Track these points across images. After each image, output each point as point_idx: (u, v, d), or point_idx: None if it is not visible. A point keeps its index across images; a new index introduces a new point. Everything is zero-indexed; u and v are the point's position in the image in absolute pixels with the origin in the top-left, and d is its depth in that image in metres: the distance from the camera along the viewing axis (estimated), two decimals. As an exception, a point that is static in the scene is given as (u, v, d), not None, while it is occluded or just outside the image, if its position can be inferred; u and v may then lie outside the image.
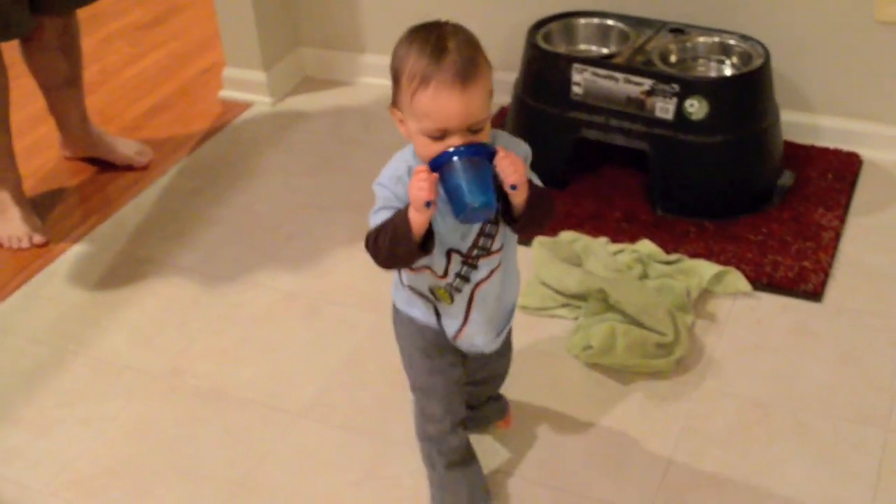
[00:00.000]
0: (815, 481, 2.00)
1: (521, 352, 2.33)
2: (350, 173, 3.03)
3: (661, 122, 2.67)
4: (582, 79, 2.72)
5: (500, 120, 3.12)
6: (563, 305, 2.43)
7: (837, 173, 2.88)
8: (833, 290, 2.49)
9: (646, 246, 2.57)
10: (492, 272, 1.73)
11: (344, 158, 3.11)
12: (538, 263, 2.49)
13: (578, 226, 2.68)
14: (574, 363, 2.30)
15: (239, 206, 2.94)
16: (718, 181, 2.73)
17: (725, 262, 2.54)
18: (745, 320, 2.42)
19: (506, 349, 1.97)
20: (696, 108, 2.62)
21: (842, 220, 2.71)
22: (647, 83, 2.65)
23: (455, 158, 1.54)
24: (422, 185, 1.52)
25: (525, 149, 1.71)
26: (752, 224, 2.69)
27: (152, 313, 2.55)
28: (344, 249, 2.72)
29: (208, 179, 3.07)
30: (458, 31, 1.57)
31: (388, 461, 2.10)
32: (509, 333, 1.93)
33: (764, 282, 2.51)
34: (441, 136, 1.54)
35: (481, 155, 1.55)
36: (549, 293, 2.44)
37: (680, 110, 2.64)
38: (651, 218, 2.74)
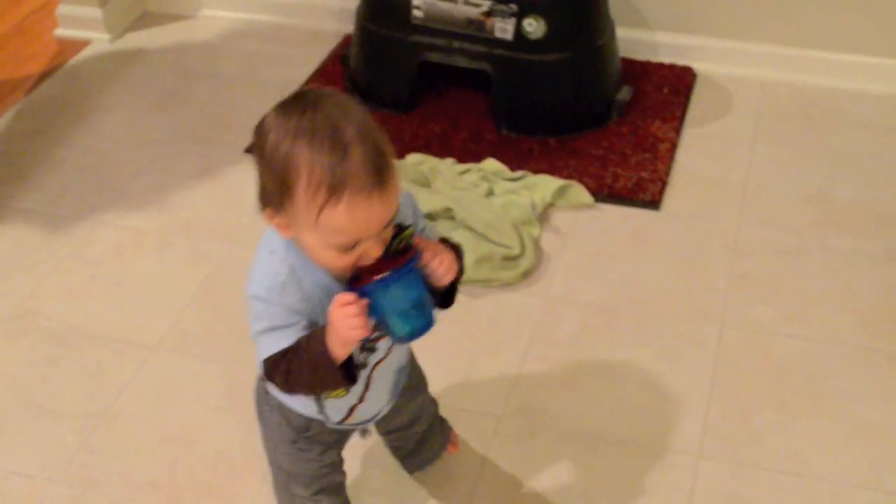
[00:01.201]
0: (656, 377, 2.11)
1: (374, 273, 2.38)
2: (195, 107, 2.99)
3: (501, 43, 2.72)
4: (422, 2, 2.74)
5: (343, 48, 3.13)
6: (414, 225, 2.47)
7: (673, 87, 2.99)
8: (670, 198, 2.61)
9: (491, 164, 2.63)
10: (390, 348, 1.48)
11: (188, 93, 3.07)
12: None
13: (425, 148, 2.73)
14: (426, 281, 2.36)
15: (82, 146, 2.88)
16: (559, 98, 2.81)
17: (568, 177, 2.62)
18: (587, 231, 2.51)
19: (414, 390, 1.71)
20: (535, 27, 2.68)
21: (677, 131, 2.82)
22: (486, 4, 2.69)
23: (386, 287, 1.28)
24: (354, 323, 1.25)
25: (409, 197, 1.42)
26: (592, 139, 2.78)
27: (-2, 257, 2.51)
28: (191, 182, 2.70)
29: (48, 121, 2.99)
30: (342, 104, 1.23)
31: (247, 387, 2.11)
32: (418, 377, 1.75)
33: (605, 193, 2.60)
34: (353, 246, 1.25)
35: (410, 272, 1.30)
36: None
37: (519, 30, 2.69)
38: (496, 137, 2.80)
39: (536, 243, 2.43)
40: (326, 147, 1.17)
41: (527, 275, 2.36)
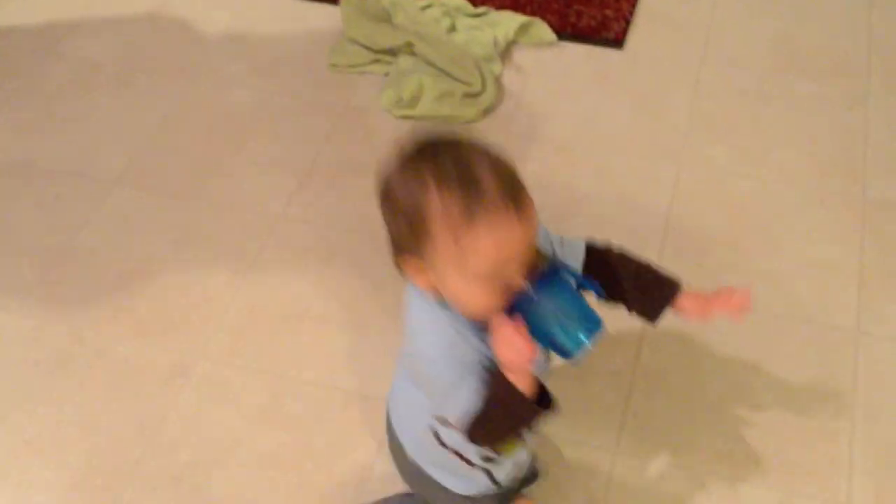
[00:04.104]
0: (613, 217, 2.13)
1: (334, 108, 2.37)
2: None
3: None
4: None
5: None
6: (374, 61, 2.44)
7: (639, -77, 2.92)
8: (634, 38, 2.58)
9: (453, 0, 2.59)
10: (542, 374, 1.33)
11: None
12: (346, 21, 2.47)
13: (386, -19, 2.67)
14: (387, 117, 2.34)
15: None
16: (524, -67, 2.74)
17: (531, 14, 2.58)
18: (550, 69, 2.49)
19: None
20: None
21: (643, -31, 2.78)
22: None
23: (532, 300, 1.18)
24: (519, 348, 1.16)
25: (542, 227, 1.32)
26: (557, -25, 2.74)
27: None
28: (148, 17, 2.63)
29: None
30: (466, 145, 1.18)
31: (206, 221, 2.12)
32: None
33: (568, 31, 2.57)
34: (499, 274, 1.16)
35: (556, 280, 1.19)
36: (358, 50, 2.44)
37: None
38: (459, -28, 2.74)
39: (498, 80, 2.41)
40: (455, 178, 1.13)
41: (488, 112, 2.35)
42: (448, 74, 2.31)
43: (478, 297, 1.17)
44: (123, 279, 2.02)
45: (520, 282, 1.17)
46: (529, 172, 2.17)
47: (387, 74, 2.42)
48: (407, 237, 1.17)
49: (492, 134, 2.30)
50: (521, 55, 2.52)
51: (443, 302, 1.21)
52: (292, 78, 2.46)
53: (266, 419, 1.79)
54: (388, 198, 1.19)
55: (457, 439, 1.32)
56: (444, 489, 1.46)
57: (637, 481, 1.69)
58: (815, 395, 1.82)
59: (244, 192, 2.18)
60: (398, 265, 1.23)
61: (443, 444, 1.37)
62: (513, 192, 1.14)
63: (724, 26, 2.62)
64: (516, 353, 1.16)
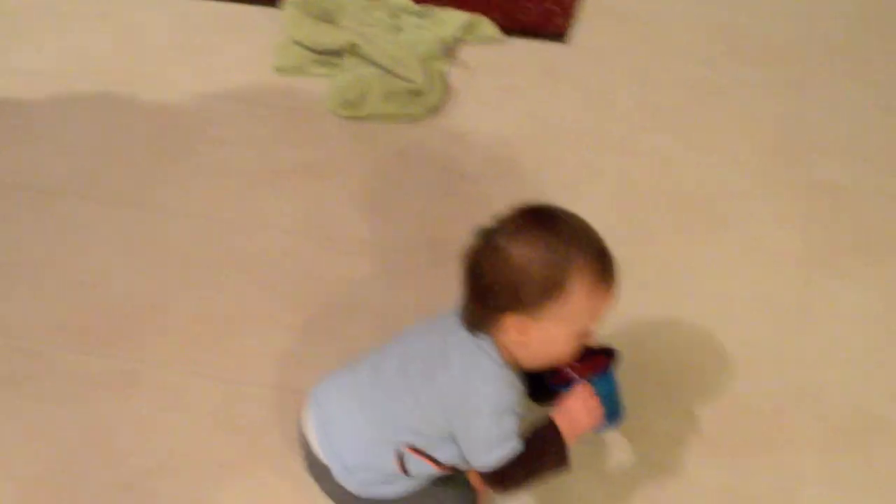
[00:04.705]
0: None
1: (280, 111, 2.36)
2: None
3: None
4: None
5: None
6: (318, 63, 2.44)
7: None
8: (579, 32, 2.60)
9: (396, -1, 2.59)
10: None
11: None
12: (290, 23, 2.47)
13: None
14: (333, 119, 2.34)
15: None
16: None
17: (476, 11, 2.59)
18: (495, 65, 2.50)
19: None
20: None
21: (585, -37, 2.79)
22: None
23: (607, 377, 1.42)
24: (597, 415, 1.38)
25: None
26: (499, -28, 2.75)
27: None
28: (89, 27, 2.62)
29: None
30: (569, 214, 1.38)
31: (152, 229, 2.11)
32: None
33: (514, 27, 2.58)
34: (588, 332, 1.38)
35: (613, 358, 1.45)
36: (303, 52, 2.44)
37: None
38: (401, -29, 2.74)
39: (444, 78, 2.42)
40: (590, 247, 1.33)
41: (434, 110, 2.35)
42: (393, 74, 2.31)
43: (568, 349, 1.36)
44: (69, 290, 2.00)
45: (594, 342, 1.39)
46: (475, 168, 2.22)
47: (332, 76, 2.41)
48: (531, 297, 1.31)
49: (438, 131, 2.31)
50: (467, 53, 2.53)
51: (503, 360, 1.37)
52: (236, 82, 2.45)
53: (218, 424, 1.78)
54: (507, 260, 1.31)
55: (422, 469, 1.45)
56: (391, 499, 1.49)
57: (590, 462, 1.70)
58: (764, 373, 1.83)
59: (191, 199, 2.17)
60: (483, 322, 1.36)
61: (404, 470, 1.45)
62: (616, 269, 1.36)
63: (667, 17, 2.64)
64: (590, 416, 1.37)
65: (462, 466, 1.46)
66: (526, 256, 1.30)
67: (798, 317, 1.92)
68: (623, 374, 1.45)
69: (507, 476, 1.39)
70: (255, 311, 1.95)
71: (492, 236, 1.34)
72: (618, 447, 1.72)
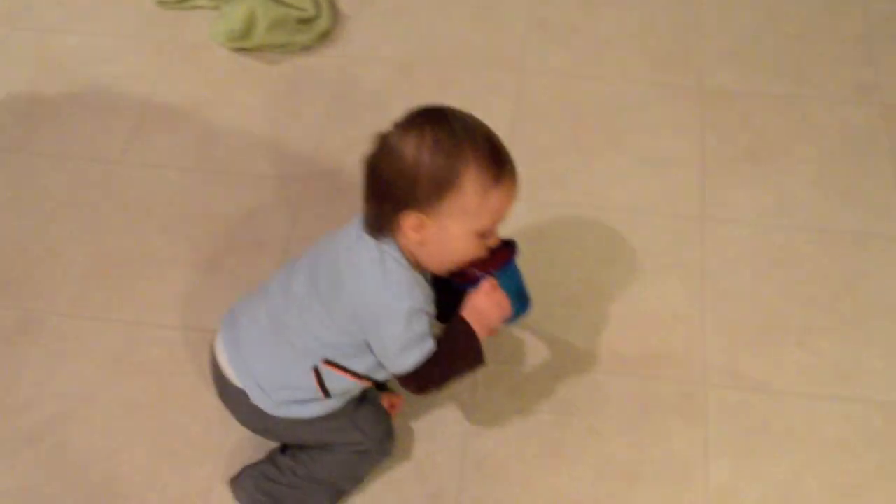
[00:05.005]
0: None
1: (165, 46, 2.29)
2: None
3: None
4: None
5: None
6: (203, -6, 2.37)
7: None
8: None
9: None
10: None
11: None
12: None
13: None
14: (221, 51, 2.27)
15: None
16: None
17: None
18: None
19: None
20: None
21: None
22: None
23: (509, 270, 1.43)
24: (504, 307, 1.40)
25: None
26: None
27: None
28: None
29: None
30: (464, 113, 1.37)
31: (40, 173, 2.04)
32: None
33: (400, -51, 2.53)
34: (491, 233, 1.39)
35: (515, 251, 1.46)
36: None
37: None
38: None
39: (333, 3, 2.36)
40: (482, 142, 1.33)
41: (324, 36, 2.30)
42: (280, 1, 2.25)
43: (469, 249, 1.37)
44: (-43, 242, 1.93)
45: (495, 243, 1.39)
46: (370, 93, 2.18)
47: (216, 7, 2.34)
48: (425, 192, 1.31)
49: (331, 58, 2.26)
50: (354, -24, 2.48)
51: (409, 262, 1.37)
52: (118, 18, 2.36)
53: (121, 368, 1.74)
54: (400, 156, 1.32)
55: (340, 384, 1.45)
56: (306, 420, 1.48)
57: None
58: (667, 283, 1.86)
59: (77, 140, 2.09)
60: (384, 221, 1.35)
61: (322, 387, 1.44)
62: (514, 166, 1.36)
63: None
64: (498, 309, 1.38)
65: (379, 377, 1.47)
66: (417, 152, 1.31)
67: (699, 223, 1.95)
68: (533, 293, 1.46)
69: (424, 378, 1.39)
70: (156, 252, 1.90)
71: (386, 137, 1.35)
72: (528, 364, 1.74)
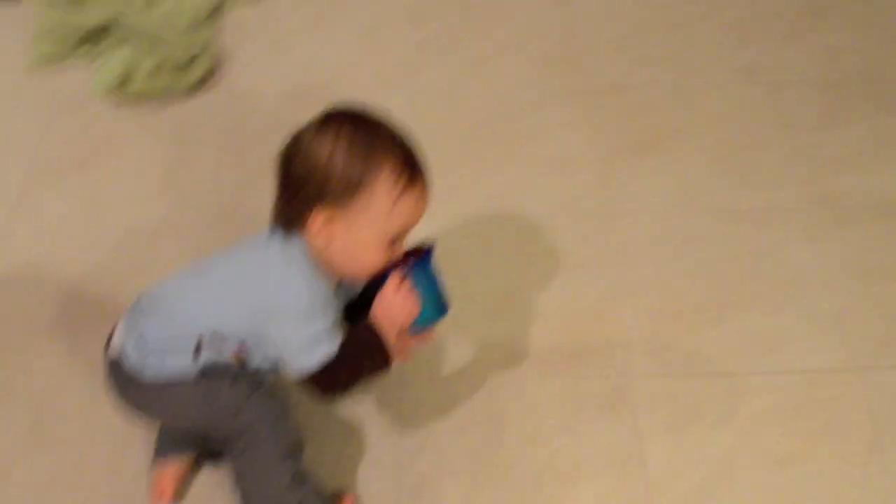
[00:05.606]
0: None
1: (42, 107, 2.23)
2: None
3: None
4: None
5: None
6: (78, 46, 2.29)
7: None
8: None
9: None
10: None
11: None
12: (39, 13, 2.32)
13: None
14: (102, 105, 2.22)
15: None
16: None
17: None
18: (266, 22, 2.44)
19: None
20: None
21: None
22: None
23: (424, 268, 1.40)
24: (411, 304, 1.37)
25: None
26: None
27: None
28: None
29: None
30: (378, 117, 1.37)
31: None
32: None
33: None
34: (399, 240, 1.38)
35: (430, 257, 1.43)
36: (58, 39, 2.29)
37: None
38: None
39: (211, 44, 2.33)
40: (398, 145, 1.34)
41: (206, 78, 2.26)
42: (156, 47, 2.20)
43: (378, 255, 1.35)
44: None
45: (402, 251, 1.38)
46: (260, 126, 2.15)
47: (93, 59, 2.28)
48: (337, 190, 1.31)
49: (217, 97, 2.22)
50: (233, 15, 2.44)
51: (313, 262, 1.36)
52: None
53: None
54: (315, 154, 1.31)
55: (211, 357, 1.39)
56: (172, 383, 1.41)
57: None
58: (582, 280, 1.86)
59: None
60: (293, 217, 1.35)
61: (197, 350, 1.39)
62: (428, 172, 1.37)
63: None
64: (405, 307, 1.36)
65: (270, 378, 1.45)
66: (332, 150, 1.31)
67: (603, 218, 1.96)
68: (451, 309, 1.43)
69: (328, 380, 1.36)
70: (48, 314, 1.84)
71: (302, 133, 1.35)
72: (454, 380, 1.72)
